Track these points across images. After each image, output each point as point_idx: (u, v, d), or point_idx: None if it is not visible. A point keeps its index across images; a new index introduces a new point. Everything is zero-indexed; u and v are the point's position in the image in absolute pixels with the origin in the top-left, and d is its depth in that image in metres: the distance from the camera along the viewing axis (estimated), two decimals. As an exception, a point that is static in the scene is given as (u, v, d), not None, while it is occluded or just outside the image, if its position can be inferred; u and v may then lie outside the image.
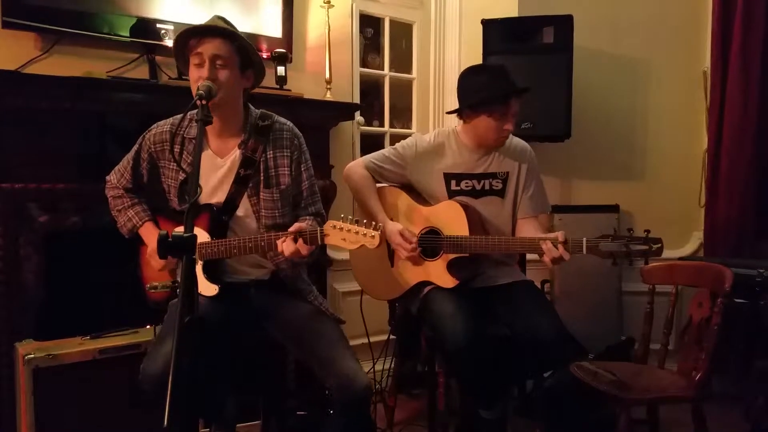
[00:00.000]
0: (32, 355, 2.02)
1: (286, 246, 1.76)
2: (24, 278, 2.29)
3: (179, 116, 1.92)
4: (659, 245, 1.92)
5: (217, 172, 1.92)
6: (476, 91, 2.20)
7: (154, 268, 1.98)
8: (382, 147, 3.40)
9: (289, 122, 2.01)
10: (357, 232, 1.70)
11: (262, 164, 1.93)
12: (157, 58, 2.55)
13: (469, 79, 2.27)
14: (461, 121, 2.32)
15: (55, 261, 2.35)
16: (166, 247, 1.35)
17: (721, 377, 2.90)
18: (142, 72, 2.53)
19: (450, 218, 2.21)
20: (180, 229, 1.35)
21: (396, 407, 2.69)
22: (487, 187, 2.31)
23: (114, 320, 2.28)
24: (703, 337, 2.11)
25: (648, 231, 1.95)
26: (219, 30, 1.79)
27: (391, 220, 2.28)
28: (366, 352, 2.76)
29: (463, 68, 3.48)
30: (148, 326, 2.24)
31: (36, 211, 2.30)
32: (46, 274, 2.33)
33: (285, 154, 1.95)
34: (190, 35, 1.80)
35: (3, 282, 2.25)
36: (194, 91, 1.75)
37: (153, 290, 1.96)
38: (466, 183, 2.30)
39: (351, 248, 1.72)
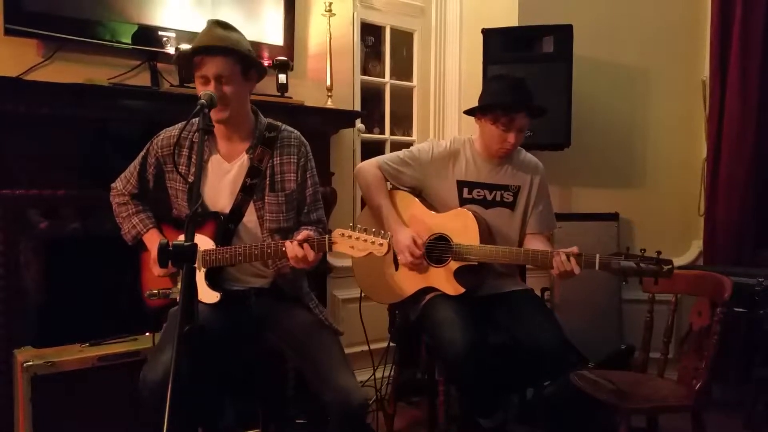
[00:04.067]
0: (31, 362, 2.02)
1: (291, 252, 1.77)
2: (24, 285, 2.29)
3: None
4: (670, 267, 1.90)
5: (224, 177, 1.94)
6: (488, 96, 2.26)
7: (154, 275, 1.98)
8: (383, 154, 3.42)
9: (296, 131, 2.04)
10: (365, 240, 1.71)
11: (269, 169, 1.95)
12: (159, 65, 2.56)
13: (489, 83, 2.35)
14: (470, 130, 2.36)
15: (55, 267, 2.35)
16: (166, 255, 1.36)
17: (721, 386, 2.90)
18: (143, 79, 2.54)
19: (461, 226, 2.21)
20: (183, 238, 1.36)
21: (395, 415, 2.68)
22: (498, 198, 2.31)
23: (113, 327, 2.28)
24: (703, 345, 2.11)
25: (659, 252, 1.93)
26: (218, 49, 1.80)
27: None
28: (366, 359, 2.75)
29: (463, 77, 3.56)
30: (147, 333, 2.24)
31: (36, 218, 2.30)
32: (46, 280, 2.33)
33: (292, 160, 1.98)
34: (192, 56, 1.83)
35: (3, 288, 2.25)
36: None
37: (152, 297, 1.97)
38: (478, 192, 2.31)
39: (359, 255, 1.73)
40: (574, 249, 1.98)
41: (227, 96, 1.81)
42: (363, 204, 2.53)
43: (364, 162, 2.42)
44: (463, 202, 2.30)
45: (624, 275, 1.95)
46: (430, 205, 2.33)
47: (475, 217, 2.21)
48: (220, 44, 1.80)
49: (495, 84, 2.30)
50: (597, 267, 1.97)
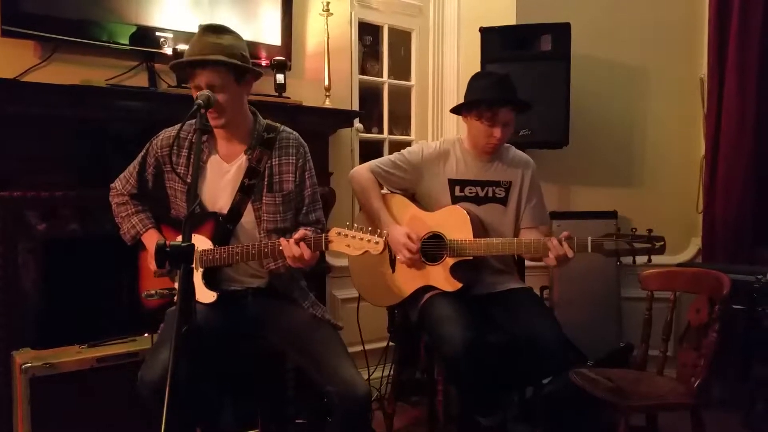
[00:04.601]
0: (29, 364, 2.01)
1: (288, 251, 1.77)
2: (22, 286, 2.28)
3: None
4: (662, 243, 1.96)
5: (223, 177, 1.95)
6: (472, 93, 2.28)
7: (152, 276, 1.98)
8: (381, 154, 3.42)
9: (295, 132, 2.04)
10: (362, 239, 1.71)
11: (267, 170, 1.95)
12: (157, 65, 2.55)
13: (473, 81, 2.34)
14: (465, 129, 2.36)
15: (54, 269, 2.35)
16: (163, 255, 1.36)
17: (720, 383, 2.90)
18: (141, 80, 2.53)
19: (454, 222, 2.22)
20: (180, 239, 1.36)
21: (395, 414, 2.68)
22: (490, 194, 2.33)
23: (112, 328, 2.28)
24: (702, 343, 2.11)
25: (651, 230, 1.99)
26: (208, 62, 1.79)
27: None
28: (363, 359, 2.76)
29: (461, 75, 3.55)
30: (146, 334, 2.24)
31: (35, 219, 2.30)
32: (45, 281, 2.33)
33: (290, 161, 1.98)
34: (184, 66, 1.83)
35: (1, 289, 2.24)
36: None
37: (149, 298, 1.97)
38: (470, 189, 2.32)
39: (355, 254, 1.74)
40: (565, 233, 2.02)
41: (221, 104, 1.81)
42: (361, 204, 2.53)
43: (356, 167, 2.45)
44: (455, 200, 2.31)
45: (617, 255, 1.99)
46: (423, 207, 2.34)
47: (466, 212, 2.22)
48: (211, 57, 1.79)
49: (479, 81, 2.31)
50: (589, 249, 2.01)
